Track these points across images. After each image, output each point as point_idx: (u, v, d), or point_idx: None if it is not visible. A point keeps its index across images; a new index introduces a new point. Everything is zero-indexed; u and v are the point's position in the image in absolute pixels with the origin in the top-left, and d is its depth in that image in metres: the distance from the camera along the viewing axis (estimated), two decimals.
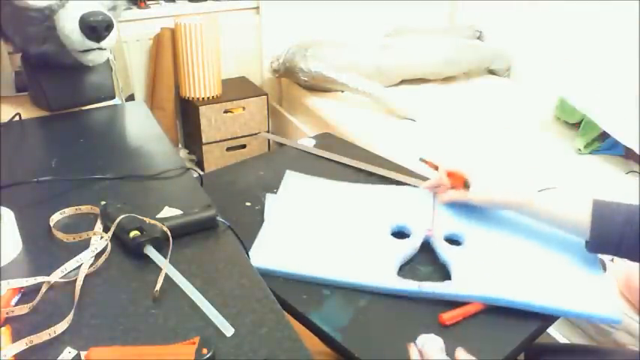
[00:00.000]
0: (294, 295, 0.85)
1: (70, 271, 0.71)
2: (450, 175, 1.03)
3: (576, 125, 2.06)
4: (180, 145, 2.69)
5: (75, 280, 0.68)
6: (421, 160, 1.11)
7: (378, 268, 0.89)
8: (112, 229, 0.76)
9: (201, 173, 1.06)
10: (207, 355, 0.57)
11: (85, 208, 0.85)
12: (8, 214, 0.74)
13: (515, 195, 0.93)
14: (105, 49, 1.15)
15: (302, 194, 1.11)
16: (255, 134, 2.53)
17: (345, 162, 1.26)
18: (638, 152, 1.72)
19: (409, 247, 0.94)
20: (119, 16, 1.24)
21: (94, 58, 1.16)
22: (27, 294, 0.67)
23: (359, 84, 2.34)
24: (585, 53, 2.25)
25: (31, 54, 1.19)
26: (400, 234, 0.99)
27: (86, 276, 0.70)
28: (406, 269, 0.91)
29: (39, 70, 1.22)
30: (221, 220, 0.82)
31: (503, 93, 2.53)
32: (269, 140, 2.62)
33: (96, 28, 1.09)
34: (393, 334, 0.78)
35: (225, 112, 2.44)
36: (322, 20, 2.69)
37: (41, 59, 1.18)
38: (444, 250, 0.92)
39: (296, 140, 1.41)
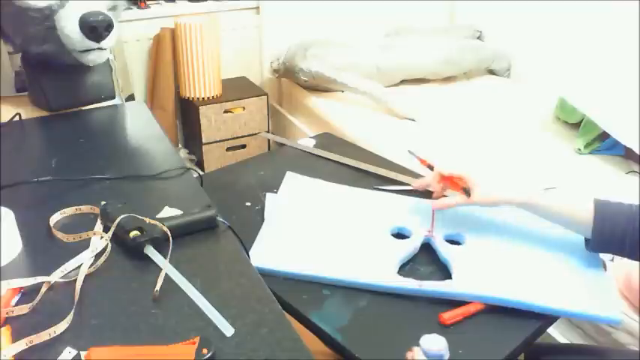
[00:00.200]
0: (294, 295, 0.85)
1: (70, 271, 0.71)
2: (446, 179, 1.00)
3: (576, 125, 2.06)
4: (180, 145, 2.69)
5: (75, 280, 0.68)
6: (410, 152, 1.09)
7: (379, 267, 0.89)
8: (112, 229, 0.76)
9: (201, 173, 1.06)
10: (207, 355, 0.57)
11: (85, 208, 0.85)
12: (8, 214, 0.74)
13: (518, 194, 0.92)
14: (105, 49, 1.15)
15: (302, 195, 1.11)
16: (255, 134, 2.53)
17: (345, 162, 1.26)
18: (638, 152, 1.72)
19: (409, 247, 0.94)
20: (119, 16, 1.24)
21: (94, 58, 1.16)
22: (27, 294, 0.67)
23: (359, 84, 2.33)
24: (585, 53, 2.25)
25: (31, 54, 1.19)
26: (400, 235, 0.99)
27: (86, 276, 0.70)
28: (406, 269, 0.91)
29: (39, 70, 1.22)
30: (221, 220, 0.82)
31: (503, 93, 2.53)
32: (269, 140, 2.62)
33: (96, 28, 1.09)
34: (393, 334, 0.78)
35: (225, 112, 2.44)
36: (322, 20, 2.69)
37: (41, 59, 1.18)
38: (445, 250, 0.92)
39: (296, 140, 1.41)
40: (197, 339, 0.59)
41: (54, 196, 0.89)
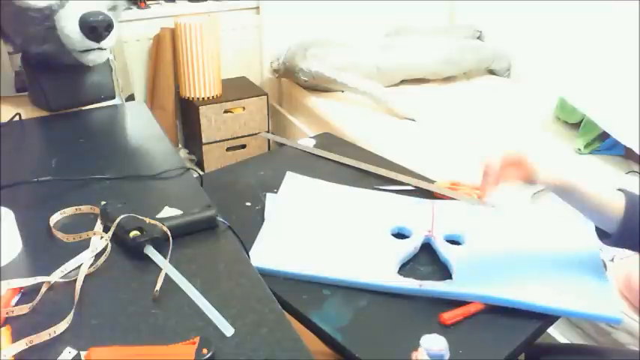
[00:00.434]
0: (294, 295, 0.85)
1: (70, 271, 0.71)
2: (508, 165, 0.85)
3: (576, 125, 2.06)
4: (180, 145, 2.69)
5: (75, 280, 0.68)
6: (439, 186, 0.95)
7: (379, 267, 0.89)
8: (112, 229, 0.76)
9: (201, 173, 1.06)
10: (207, 355, 0.57)
11: (85, 208, 0.85)
12: (8, 214, 0.74)
13: (568, 174, 0.85)
14: (105, 49, 1.15)
15: (303, 195, 1.11)
16: (255, 134, 2.53)
17: (345, 162, 1.26)
18: (638, 152, 1.72)
19: (409, 246, 0.94)
20: (119, 16, 1.24)
21: (94, 58, 1.16)
22: (27, 294, 0.67)
23: (359, 84, 2.33)
24: (585, 53, 2.25)
25: (31, 54, 1.19)
26: (400, 235, 0.99)
27: (86, 276, 0.70)
28: (406, 269, 0.91)
29: (39, 70, 1.22)
30: (221, 220, 0.82)
31: (503, 93, 2.53)
32: (269, 140, 2.62)
33: (96, 28, 1.09)
34: (393, 334, 0.78)
35: (225, 112, 2.44)
36: (322, 20, 2.69)
37: (41, 59, 1.18)
38: (445, 250, 0.92)
39: (296, 140, 1.41)
40: (197, 339, 0.59)
41: (54, 196, 0.89)
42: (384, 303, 0.84)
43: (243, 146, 2.55)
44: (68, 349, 0.59)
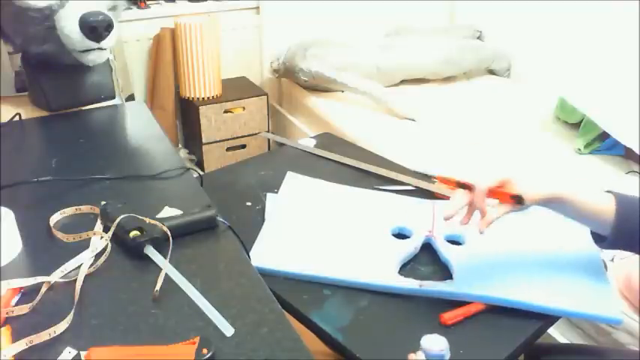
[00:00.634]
0: (294, 295, 0.85)
1: (70, 271, 0.71)
2: (492, 192, 0.80)
3: (576, 125, 2.06)
4: (180, 145, 2.69)
5: (75, 280, 0.68)
6: (435, 178, 0.87)
7: (379, 267, 0.89)
8: (112, 229, 0.76)
9: (201, 173, 1.06)
10: (207, 355, 0.57)
11: (85, 208, 0.85)
12: (8, 214, 0.74)
13: (559, 188, 0.83)
14: (105, 49, 1.15)
15: (303, 195, 1.11)
16: (255, 134, 2.53)
17: (346, 162, 1.26)
18: (638, 152, 1.72)
19: (410, 247, 0.94)
20: (119, 16, 1.24)
21: (94, 58, 1.16)
22: (27, 294, 0.67)
23: (359, 84, 2.33)
24: (585, 53, 2.25)
25: (31, 54, 1.19)
26: (401, 235, 0.99)
27: (86, 276, 0.70)
28: (407, 269, 0.91)
29: (39, 70, 1.22)
30: (221, 220, 0.82)
31: (503, 93, 2.53)
32: (269, 140, 2.62)
33: (96, 28, 1.09)
34: (393, 334, 0.78)
35: (225, 112, 2.44)
36: (322, 20, 2.69)
37: (41, 59, 1.18)
38: (445, 250, 0.92)
39: (296, 140, 1.41)
40: (197, 339, 0.59)
41: (54, 196, 0.89)
42: (384, 303, 0.84)
43: (243, 146, 2.55)
44: (68, 349, 0.59)
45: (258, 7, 2.65)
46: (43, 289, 0.67)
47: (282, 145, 1.42)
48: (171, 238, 0.75)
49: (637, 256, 1.26)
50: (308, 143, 1.37)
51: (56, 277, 0.69)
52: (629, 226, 0.81)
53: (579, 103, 1.97)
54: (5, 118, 1.18)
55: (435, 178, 0.87)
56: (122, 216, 0.77)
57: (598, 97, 1.95)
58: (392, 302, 0.84)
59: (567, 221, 0.86)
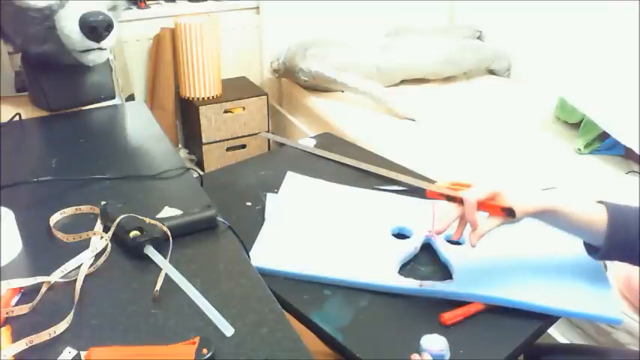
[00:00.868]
0: (294, 295, 0.85)
1: (70, 271, 0.71)
2: (483, 205, 0.79)
3: (576, 125, 2.06)
4: (180, 145, 2.69)
5: (75, 280, 0.68)
6: (433, 193, 0.83)
7: (379, 267, 0.89)
8: (112, 229, 0.76)
9: (201, 173, 1.06)
10: (207, 355, 0.57)
11: (85, 208, 0.85)
12: (8, 214, 0.74)
13: (550, 199, 0.82)
14: (105, 49, 1.15)
15: (303, 195, 1.11)
16: (255, 134, 2.53)
17: (346, 162, 1.26)
18: (638, 152, 1.72)
19: (410, 247, 0.94)
20: (119, 16, 1.24)
21: (94, 58, 1.16)
22: (27, 294, 0.67)
23: (359, 84, 2.33)
24: (585, 53, 2.25)
25: (31, 54, 1.19)
26: (401, 235, 0.99)
27: (86, 276, 0.70)
28: (407, 269, 0.91)
29: (39, 70, 1.22)
30: (221, 220, 0.82)
31: (503, 93, 2.53)
32: (269, 140, 2.62)
33: (96, 28, 1.09)
34: (393, 334, 0.78)
35: (225, 112, 2.44)
36: (322, 20, 2.69)
37: (41, 59, 1.18)
38: (445, 250, 0.92)
39: (296, 140, 1.41)
40: (197, 339, 0.59)
41: (54, 196, 0.89)
42: (384, 303, 0.84)
43: (243, 146, 2.55)
44: (68, 349, 0.59)
45: (258, 7, 2.65)
46: (43, 289, 0.67)
47: (282, 145, 1.42)
48: (171, 238, 0.75)
49: None
50: (308, 143, 1.37)
51: (56, 277, 0.69)
52: (622, 236, 0.80)
53: (579, 103, 1.97)
54: (5, 118, 1.18)
55: (428, 191, 0.84)
56: (122, 216, 0.77)
57: (598, 97, 1.95)
58: (392, 302, 0.84)
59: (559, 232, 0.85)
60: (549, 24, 2.46)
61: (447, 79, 2.67)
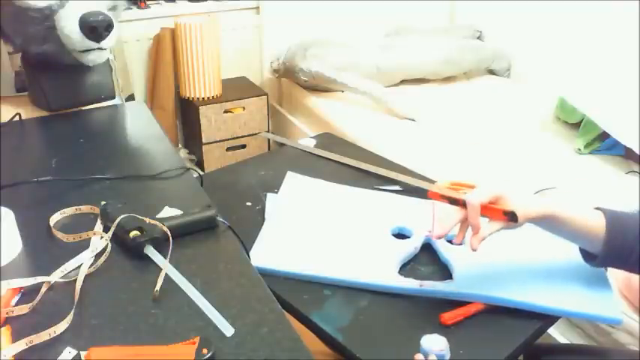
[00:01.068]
0: (294, 295, 0.85)
1: (70, 271, 0.71)
2: (485, 209, 0.77)
3: (576, 125, 2.06)
4: (180, 145, 2.69)
5: (75, 280, 0.68)
6: (435, 194, 0.81)
7: (379, 267, 0.89)
8: (112, 229, 0.76)
9: (201, 173, 1.06)
10: (207, 355, 0.57)
11: (85, 208, 0.85)
12: (8, 214, 0.74)
13: (550, 204, 0.81)
14: (105, 49, 1.15)
15: (303, 195, 1.11)
16: (255, 134, 2.53)
17: (346, 162, 1.26)
18: (638, 152, 1.72)
19: (410, 247, 0.94)
20: (119, 16, 1.24)
21: (94, 58, 1.16)
22: (27, 294, 0.67)
23: (359, 84, 2.33)
24: (585, 53, 2.25)
25: (31, 54, 1.19)
26: (401, 235, 0.99)
27: (86, 276, 0.70)
28: (407, 269, 0.91)
29: (39, 70, 1.22)
30: (221, 220, 0.82)
31: (503, 93, 2.53)
32: (269, 140, 2.62)
33: (96, 28, 1.09)
34: (394, 334, 0.78)
35: (225, 112, 2.44)
36: (322, 20, 2.69)
37: (41, 59, 1.18)
38: (445, 250, 0.92)
39: (296, 140, 1.41)
40: (197, 339, 0.59)
41: (54, 196, 0.89)
42: (384, 303, 0.84)
43: (243, 146, 2.55)
44: (68, 349, 0.59)
45: (258, 7, 2.65)
46: (43, 289, 0.67)
47: (282, 145, 1.42)
48: (171, 238, 0.75)
49: None
50: (308, 143, 1.37)
51: (56, 277, 0.69)
52: (619, 243, 0.80)
53: (579, 103, 1.97)
54: (5, 118, 1.18)
55: (430, 191, 0.83)
56: (122, 216, 0.77)
57: (598, 97, 1.95)
58: (392, 302, 0.84)
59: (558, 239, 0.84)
60: (549, 24, 2.46)
61: (447, 79, 2.67)
